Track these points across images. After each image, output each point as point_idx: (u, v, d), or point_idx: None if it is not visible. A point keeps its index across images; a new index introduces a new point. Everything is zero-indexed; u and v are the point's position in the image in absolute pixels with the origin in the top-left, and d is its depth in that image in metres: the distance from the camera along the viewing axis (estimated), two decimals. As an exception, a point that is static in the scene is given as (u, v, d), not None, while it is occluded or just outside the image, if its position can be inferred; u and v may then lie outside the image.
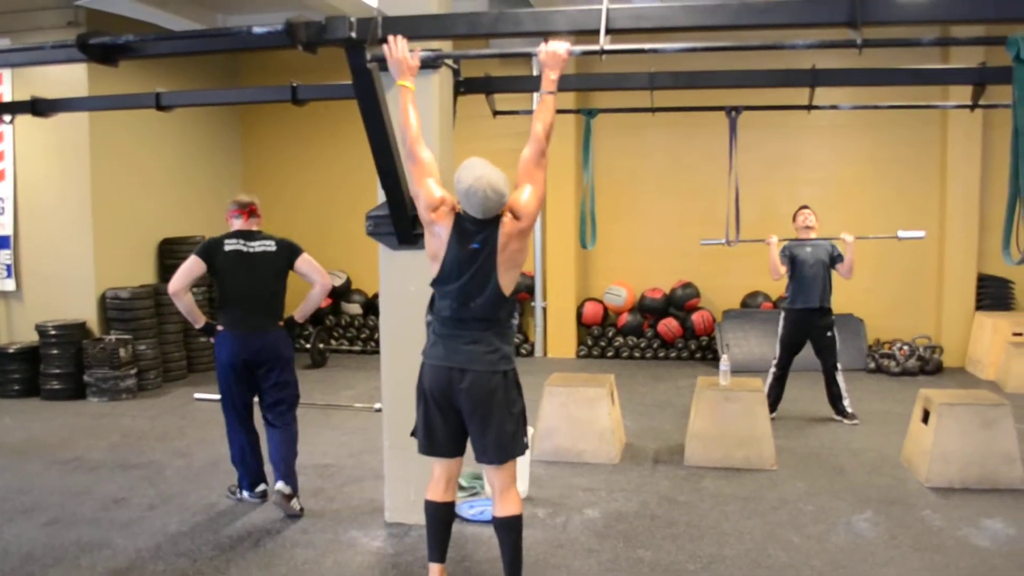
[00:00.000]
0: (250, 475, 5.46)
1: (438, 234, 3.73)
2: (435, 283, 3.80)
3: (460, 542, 4.60)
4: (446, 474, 3.90)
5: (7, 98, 9.17)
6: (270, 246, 5.38)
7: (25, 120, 6.93)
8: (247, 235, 5.36)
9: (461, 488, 5.22)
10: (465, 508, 5.07)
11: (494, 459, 3.77)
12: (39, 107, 6.29)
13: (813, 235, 7.28)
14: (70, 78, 8.62)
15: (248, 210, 5.38)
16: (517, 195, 3.68)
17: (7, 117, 7.03)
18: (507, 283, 3.70)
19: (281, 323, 5.47)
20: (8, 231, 9.47)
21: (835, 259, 7.25)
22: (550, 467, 6.06)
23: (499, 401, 3.72)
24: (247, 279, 5.31)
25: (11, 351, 9.04)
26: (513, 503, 3.82)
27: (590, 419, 6.27)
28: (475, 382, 3.69)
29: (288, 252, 5.43)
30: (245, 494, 5.46)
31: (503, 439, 3.74)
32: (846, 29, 3.41)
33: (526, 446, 3.89)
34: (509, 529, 3.82)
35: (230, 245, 5.30)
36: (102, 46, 4.39)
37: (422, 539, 4.58)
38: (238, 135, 12.18)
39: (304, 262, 5.45)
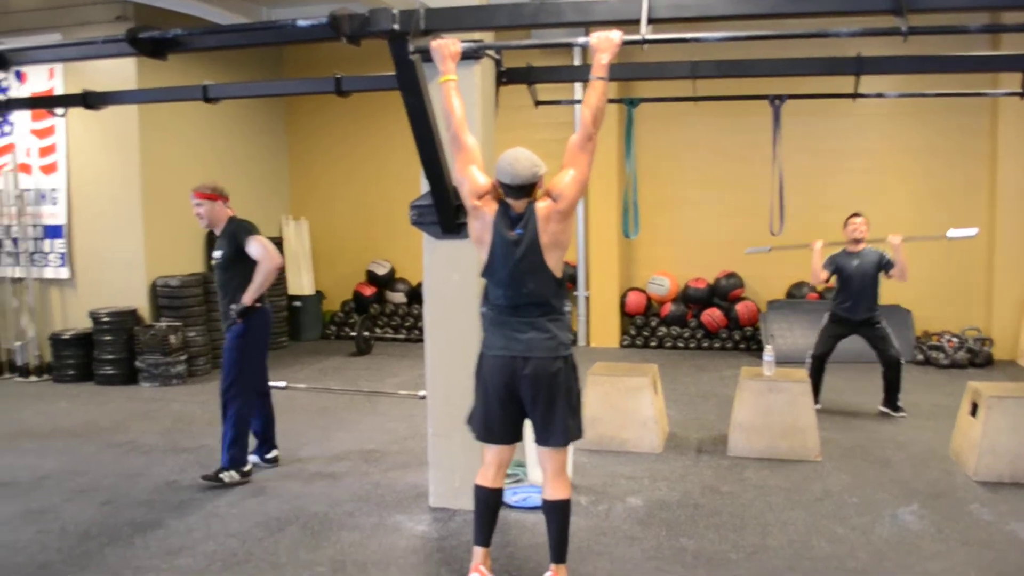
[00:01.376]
0: (272, 439, 5.99)
1: (483, 218, 3.79)
2: (485, 272, 3.85)
3: (503, 528, 4.64)
4: (497, 460, 3.96)
5: (59, 91, 9.36)
6: None
7: (77, 113, 7.09)
8: None
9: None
10: (509, 495, 5.11)
11: (557, 443, 3.83)
12: (90, 100, 6.42)
13: (862, 247, 7.20)
14: (120, 71, 8.76)
15: None
16: (558, 177, 3.71)
17: (60, 110, 7.22)
18: (554, 264, 3.74)
19: None
20: (62, 221, 9.70)
21: (885, 266, 7.10)
22: (593, 455, 6.08)
23: (561, 386, 3.79)
24: None
25: (66, 337, 9.28)
26: (564, 487, 3.88)
27: (633, 408, 6.28)
28: (538, 368, 3.75)
29: None
30: (255, 458, 5.89)
31: (566, 423, 3.80)
32: (891, 16, 3.37)
33: (582, 431, 3.94)
34: (558, 512, 3.88)
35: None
36: (151, 40, 4.48)
37: (466, 524, 4.66)
38: (283, 125, 12.33)
39: None
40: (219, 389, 5.66)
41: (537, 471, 4.80)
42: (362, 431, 6.94)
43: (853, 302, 7.16)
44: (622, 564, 4.30)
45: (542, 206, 3.70)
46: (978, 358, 9.47)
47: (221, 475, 5.53)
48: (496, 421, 3.89)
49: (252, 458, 5.96)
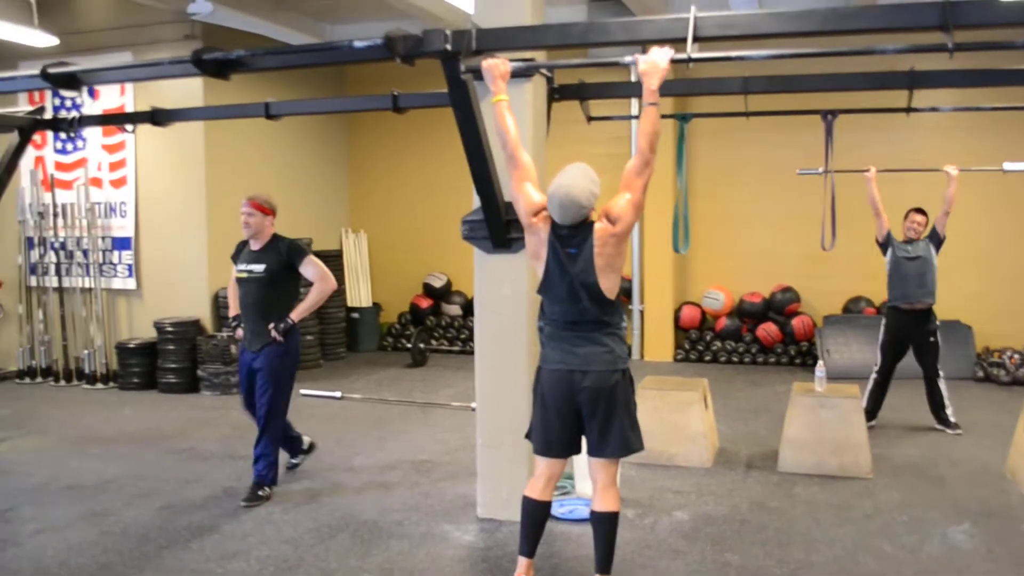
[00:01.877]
0: (296, 433, 6.17)
1: (538, 234, 3.86)
2: (541, 289, 3.91)
3: (549, 539, 4.67)
4: (548, 473, 4.00)
5: (130, 107, 9.70)
6: None
7: (145, 129, 7.35)
8: None
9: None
10: (556, 506, 5.14)
11: (612, 453, 3.87)
12: (158, 117, 6.64)
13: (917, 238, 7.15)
14: (187, 88, 8.99)
15: None
16: (615, 200, 3.76)
17: (129, 127, 7.48)
18: (608, 287, 3.78)
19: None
20: (130, 233, 10.03)
21: (933, 235, 7.08)
22: (641, 469, 6.10)
23: (619, 399, 3.84)
24: None
25: (131, 346, 9.59)
26: (613, 500, 3.92)
27: (682, 423, 6.28)
28: (596, 382, 3.80)
29: None
30: (300, 459, 6.20)
31: (623, 434, 3.84)
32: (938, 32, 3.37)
33: (643, 443, 3.96)
34: (606, 524, 3.93)
35: None
36: (215, 61, 4.62)
37: (512, 535, 4.70)
38: (345, 140, 12.57)
39: None
40: (260, 412, 5.62)
41: (585, 483, 4.85)
42: (415, 441, 7.06)
43: (909, 287, 7.05)
44: (666, 577, 4.33)
45: (599, 227, 3.76)
46: (1041, 375, 9.25)
47: (259, 492, 5.55)
48: (555, 434, 3.93)
49: (296, 460, 6.16)
